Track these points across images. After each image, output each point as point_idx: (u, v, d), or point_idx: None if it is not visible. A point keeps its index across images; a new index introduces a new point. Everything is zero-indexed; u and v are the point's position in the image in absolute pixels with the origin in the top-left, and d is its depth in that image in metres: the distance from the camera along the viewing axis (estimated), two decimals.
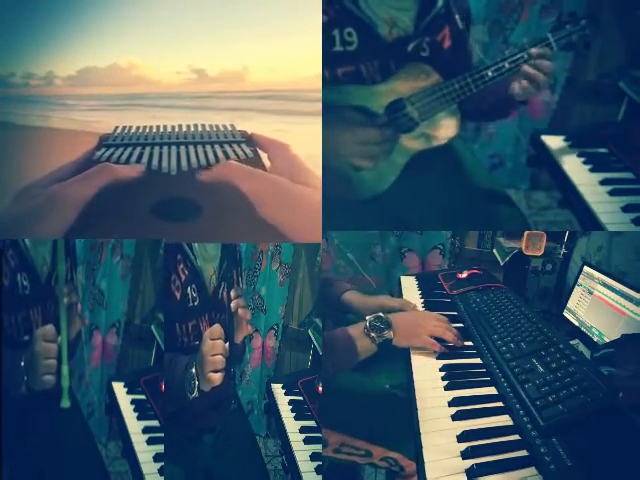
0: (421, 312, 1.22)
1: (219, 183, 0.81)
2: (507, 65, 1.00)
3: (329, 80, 1.03)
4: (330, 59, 1.02)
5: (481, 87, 1.01)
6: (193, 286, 1.08)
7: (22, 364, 0.96)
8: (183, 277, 1.07)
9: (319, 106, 1.03)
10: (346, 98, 1.03)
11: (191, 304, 1.08)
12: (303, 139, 1.12)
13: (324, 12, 1.01)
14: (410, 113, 1.03)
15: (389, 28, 1.02)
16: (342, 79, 1.03)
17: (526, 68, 0.99)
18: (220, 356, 0.96)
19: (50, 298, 1.06)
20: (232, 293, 1.10)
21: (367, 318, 1.01)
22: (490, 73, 1.01)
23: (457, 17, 1.06)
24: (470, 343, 1.07)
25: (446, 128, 1.06)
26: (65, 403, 1.02)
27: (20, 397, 0.97)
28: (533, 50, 0.99)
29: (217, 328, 0.97)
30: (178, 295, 1.06)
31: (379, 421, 0.95)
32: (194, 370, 0.97)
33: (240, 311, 1.10)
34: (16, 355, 0.98)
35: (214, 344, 0.95)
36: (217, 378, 0.95)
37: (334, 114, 1.03)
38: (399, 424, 0.85)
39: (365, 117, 1.03)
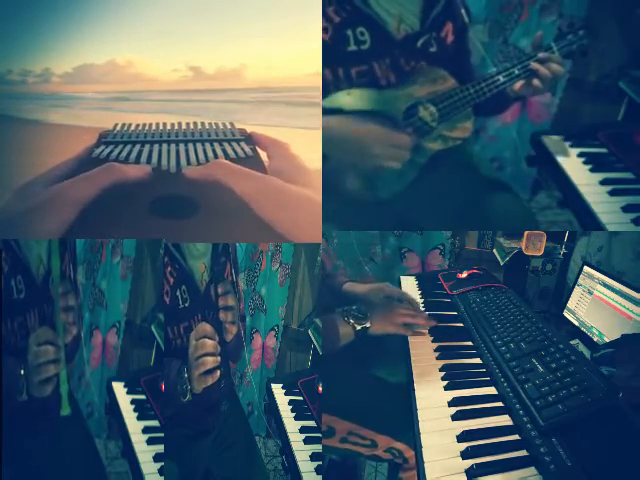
0: (392, 303, 1.27)
1: (208, 182, 0.81)
2: (517, 71, 1.07)
3: (344, 80, 1.05)
4: (344, 59, 1.05)
5: (494, 91, 1.07)
6: (183, 287, 1.08)
7: (22, 372, 0.96)
8: (172, 280, 1.06)
9: (318, 104, 1.03)
10: (363, 102, 1.05)
11: (182, 306, 1.08)
12: (302, 137, 1.12)
13: (336, 12, 1.03)
14: (425, 117, 1.07)
15: (397, 24, 1.05)
16: (356, 80, 1.06)
17: (536, 65, 1.05)
18: (208, 357, 0.96)
19: (47, 300, 1.05)
20: (219, 289, 1.10)
21: (346, 308, 1.09)
22: (502, 78, 1.07)
23: (462, 11, 1.11)
24: (470, 343, 1.07)
25: (462, 130, 1.10)
26: (65, 411, 1.01)
27: (21, 404, 0.97)
28: (542, 54, 1.06)
29: (201, 327, 0.97)
30: (168, 299, 1.06)
31: (385, 411, 0.95)
32: (185, 374, 0.97)
33: (221, 314, 1.09)
34: (16, 363, 0.97)
35: (197, 344, 0.96)
36: (208, 379, 0.95)
37: (351, 117, 1.05)
38: (406, 415, 0.86)
39: (386, 121, 1.06)
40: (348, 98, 1.04)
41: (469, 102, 1.08)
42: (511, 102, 1.18)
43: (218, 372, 0.99)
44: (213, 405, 1.15)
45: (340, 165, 1.04)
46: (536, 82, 1.06)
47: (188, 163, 0.86)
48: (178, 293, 1.07)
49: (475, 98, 1.08)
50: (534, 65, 1.06)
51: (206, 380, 0.97)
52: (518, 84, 1.07)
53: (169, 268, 1.06)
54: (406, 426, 0.83)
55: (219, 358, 0.99)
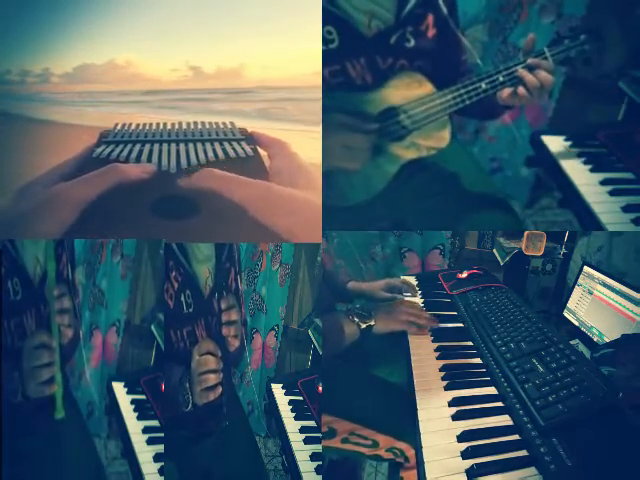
0: (397, 301, 1.29)
1: (200, 190, 0.81)
2: (501, 78, 1.00)
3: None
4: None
5: (474, 99, 1.01)
6: (187, 292, 1.07)
7: (17, 374, 0.96)
8: (176, 284, 1.06)
9: (318, 103, 1.03)
10: (339, 103, 1.03)
11: (186, 311, 1.07)
12: (302, 136, 1.11)
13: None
14: (402, 121, 1.03)
15: (368, 21, 1.00)
16: (332, 81, 1.03)
17: (523, 72, 0.98)
18: (210, 374, 0.96)
19: (44, 301, 1.05)
20: (222, 304, 1.10)
21: (350, 307, 1.11)
22: (484, 85, 1.00)
23: (440, 2, 1.04)
24: (470, 343, 1.07)
25: (437, 139, 1.06)
26: (59, 414, 1.01)
27: (17, 405, 0.97)
28: (530, 60, 0.98)
29: (204, 344, 0.98)
30: (172, 303, 1.06)
31: (387, 410, 0.95)
32: (187, 384, 0.98)
33: (224, 330, 1.10)
34: (11, 365, 0.97)
35: (200, 360, 0.97)
36: (210, 395, 0.96)
37: (326, 119, 1.03)
38: (407, 414, 0.86)
39: (355, 121, 1.03)
40: (324, 100, 1.02)
41: (445, 109, 1.01)
42: (501, 110, 1.12)
43: (220, 389, 0.99)
44: (215, 413, 1.15)
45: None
46: (521, 91, 0.98)
47: (189, 163, 0.86)
48: (182, 298, 1.06)
49: (453, 105, 1.01)
50: (520, 72, 0.98)
51: (208, 396, 0.98)
52: (505, 92, 1.00)
53: (174, 272, 1.06)
54: (408, 425, 0.83)
55: (221, 374, 1.00)
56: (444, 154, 1.07)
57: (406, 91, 1.03)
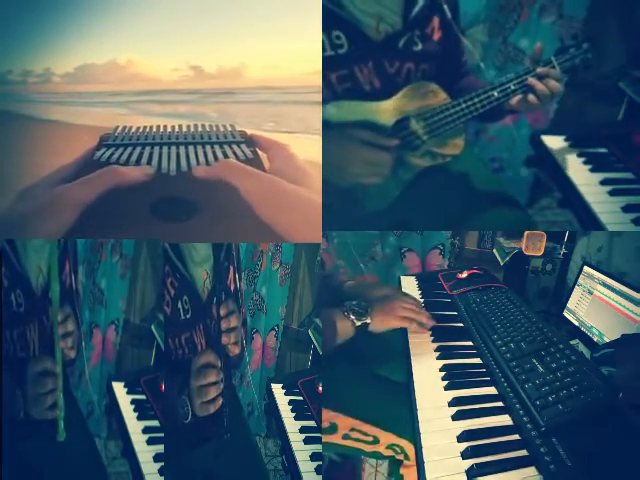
0: (394, 297, 1.25)
1: (216, 181, 0.81)
2: (512, 87, 1.02)
3: (325, 88, 1.02)
4: (323, 65, 1.02)
5: (487, 107, 1.03)
6: (185, 298, 1.05)
7: (20, 393, 0.97)
8: (173, 290, 1.04)
9: (318, 103, 1.03)
10: (350, 114, 1.03)
11: (183, 317, 1.06)
12: (302, 137, 1.11)
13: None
14: (416, 132, 1.04)
15: (376, 24, 1.00)
16: (338, 87, 1.02)
17: (533, 81, 1.01)
18: (210, 387, 0.96)
19: (47, 312, 1.05)
20: (222, 310, 1.09)
21: (346, 303, 1.06)
22: (496, 94, 1.03)
23: (445, 7, 1.05)
24: (470, 343, 1.07)
25: (452, 146, 1.06)
26: (61, 436, 1.02)
27: (20, 419, 0.97)
28: (540, 69, 1.01)
29: (204, 355, 0.98)
30: (169, 310, 1.04)
31: (388, 407, 0.95)
32: (187, 397, 0.97)
33: (224, 338, 1.09)
34: (14, 383, 0.97)
35: (200, 373, 0.96)
36: (210, 407, 0.96)
37: (338, 131, 1.02)
38: (408, 412, 0.86)
39: (372, 133, 1.02)
40: (334, 110, 1.01)
41: (460, 118, 1.04)
42: (505, 114, 1.14)
43: (220, 400, 0.99)
44: (215, 427, 1.14)
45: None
46: (532, 98, 1.01)
47: (188, 166, 0.86)
48: (180, 305, 1.05)
49: (467, 114, 1.04)
50: (531, 81, 1.01)
51: (208, 408, 0.98)
52: (514, 99, 1.03)
53: (170, 278, 1.04)
54: (409, 422, 0.83)
55: (222, 385, 1.00)
56: (456, 157, 1.08)
57: (419, 100, 1.03)
